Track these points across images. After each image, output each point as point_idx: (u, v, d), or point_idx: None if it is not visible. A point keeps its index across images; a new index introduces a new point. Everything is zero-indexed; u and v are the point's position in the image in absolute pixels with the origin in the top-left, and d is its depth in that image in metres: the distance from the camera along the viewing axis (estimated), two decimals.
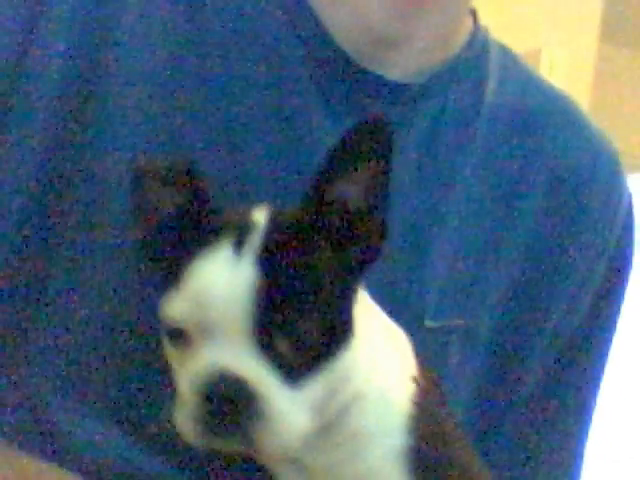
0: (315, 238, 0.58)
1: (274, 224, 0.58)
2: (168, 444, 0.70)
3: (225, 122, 0.73)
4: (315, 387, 0.57)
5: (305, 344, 0.56)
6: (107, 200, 0.70)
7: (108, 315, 0.70)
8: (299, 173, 0.73)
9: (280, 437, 0.56)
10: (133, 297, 0.71)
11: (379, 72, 0.77)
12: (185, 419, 0.57)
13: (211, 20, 0.74)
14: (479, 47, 0.84)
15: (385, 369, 0.62)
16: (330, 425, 0.60)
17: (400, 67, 0.79)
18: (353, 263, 0.59)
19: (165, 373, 0.71)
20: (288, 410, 0.56)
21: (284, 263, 0.56)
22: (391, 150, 0.58)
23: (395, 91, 0.78)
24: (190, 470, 0.72)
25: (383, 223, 0.60)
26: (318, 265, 0.57)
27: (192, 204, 0.60)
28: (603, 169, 0.87)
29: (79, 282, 0.70)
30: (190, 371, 0.57)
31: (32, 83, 0.70)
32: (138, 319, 0.71)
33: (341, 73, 0.76)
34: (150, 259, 0.62)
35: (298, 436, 0.56)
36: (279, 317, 0.55)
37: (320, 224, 0.59)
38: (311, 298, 0.56)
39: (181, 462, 0.71)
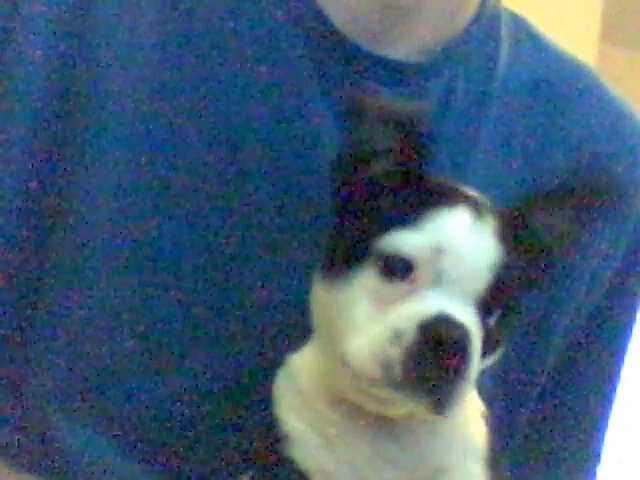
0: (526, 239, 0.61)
1: (499, 212, 0.60)
2: (171, 463, 0.70)
3: (220, 108, 0.72)
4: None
5: (505, 326, 0.59)
6: (104, 198, 0.70)
7: (108, 316, 0.70)
8: (298, 158, 0.72)
9: (460, 402, 0.57)
10: (133, 298, 0.71)
11: (382, 53, 0.75)
12: (380, 350, 0.56)
13: (203, 5, 0.73)
14: (488, 19, 0.81)
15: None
16: None
17: (404, 46, 0.76)
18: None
19: (165, 373, 0.71)
20: (478, 364, 0.58)
21: (513, 248, 0.59)
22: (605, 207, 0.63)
23: (399, 71, 0.75)
24: None
25: (554, 262, 0.64)
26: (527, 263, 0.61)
27: (412, 151, 0.59)
28: (626, 138, 0.84)
29: (78, 283, 0.70)
30: (406, 306, 0.56)
31: (16, 79, 0.69)
32: (139, 320, 0.70)
33: (340, 56, 0.74)
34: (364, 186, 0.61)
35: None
36: (503, 295, 0.58)
37: (526, 231, 0.61)
38: (520, 290, 0.60)
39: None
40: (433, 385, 0.55)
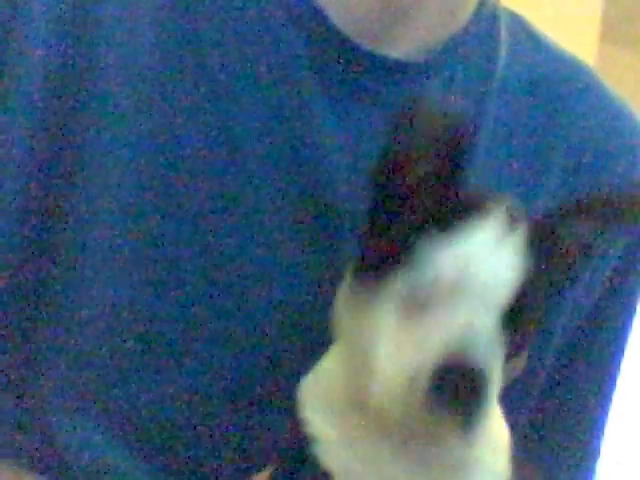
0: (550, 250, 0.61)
1: (529, 221, 0.60)
2: (171, 459, 0.70)
3: (220, 107, 0.71)
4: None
5: (524, 342, 0.60)
6: (105, 198, 0.70)
7: (109, 316, 0.70)
8: (298, 157, 0.72)
9: (480, 426, 0.57)
10: (134, 297, 0.71)
11: (381, 52, 0.75)
12: (402, 385, 0.56)
13: (202, 5, 0.73)
14: (487, 18, 0.80)
15: None
16: None
17: (404, 45, 0.76)
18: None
19: (166, 373, 0.71)
20: (496, 390, 0.58)
21: (539, 260, 0.59)
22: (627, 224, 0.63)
23: (398, 70, 0.75)
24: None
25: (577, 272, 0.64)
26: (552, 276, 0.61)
27: (451, 159, 0.59)
28: (625, 137, 0.84)
29: (79, 283, 0.70)
30: (427, 339, 0.56)
31: (17, 79, 0.69)
32: (139, 319, 0.70)
33: (340, 55, 0.74)
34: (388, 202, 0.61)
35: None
36: (526, 308, 0.58)
37: (555, 242, 0.61)
38: (542, 301, 0.60)
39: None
40: (452, 414, 0.56)
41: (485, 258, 0.57)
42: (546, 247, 0.60)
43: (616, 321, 0.85)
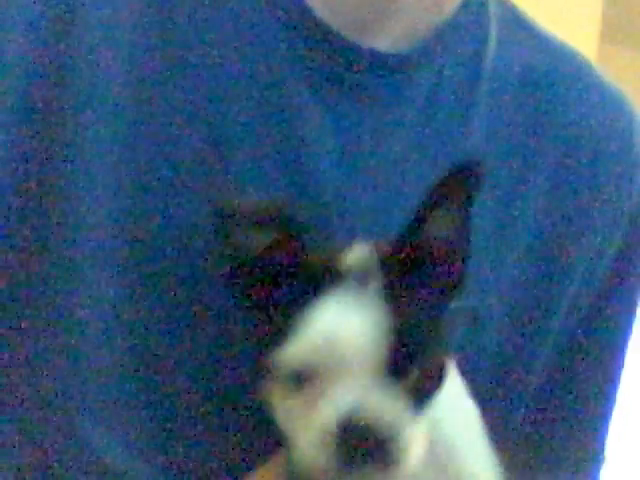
0: (418, 272, 0.61)
1: (383, 262, 0.60)
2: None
3: (204, 103, 0.71)
4: (427, 412, 0.60)
5: (432, 373, 0.60)
6: (93, 199, 0.69)
7: (108, 316, 0.70)
8: (285, 152, 0.71)
9: (406, 458, 0.58)
10: (132, 297, 0.70)
11: (366, 44, 0.74)
12: (313, 453, 0.58)
13: (185, 4, 0.72)
14: (475, 7, 0.79)
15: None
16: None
17: (390, 36, 0.75)
18: (442, 292, 0.62)
19: (164, 373, 0.71)
20: (413, 434, 0.59)
21: (405, 299, 0.59)
22: (479, 191, 0.62)
23: (385, 62, 0.74)
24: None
25: (464, 262, 0.63)
26: (429, 298, 0.61)
27: (284, 246, 0.61)
28: (619, 126, 0.83)
29: (73, 284, 0.70)
30: (318, 413, 0.58)
31: None
32: (135, 321, 0.70)
33: (326, 48, 0.73)
34: (245, 303, 0.63)
35: (418, 453, 0.59)
36: (410, 350, 0.58)
37: (418, 258, 0.61)
38: (432, 329, 0.60)
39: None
40: (369, 466, 0.58)
41: (341, 335, 0.57)
42: (416, 259, 0.60)
43: (616, 321, 0.85)
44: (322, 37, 0.73)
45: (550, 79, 0.81)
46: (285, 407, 0.61)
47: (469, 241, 0.63)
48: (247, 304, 0.63)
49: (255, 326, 0.63)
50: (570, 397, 0.83)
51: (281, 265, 0.61)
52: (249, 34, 0.72)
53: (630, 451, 2.50)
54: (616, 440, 0.94)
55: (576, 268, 0.81)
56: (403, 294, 0.59)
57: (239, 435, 0.71)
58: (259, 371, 0.61)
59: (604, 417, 0.86)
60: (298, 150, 0.72)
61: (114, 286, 0.70)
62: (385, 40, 0.75)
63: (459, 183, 0.61)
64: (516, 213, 0.78)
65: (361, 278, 0.59)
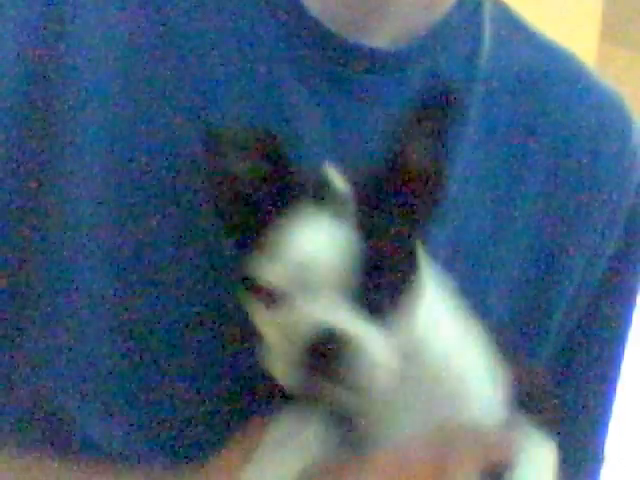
0: (392, 197, 0.62)
1: (358, 187, 0.62)
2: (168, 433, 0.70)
3: (197, 101, 0.71)
4: (397, 331, 0.62)
5: (395, 293, 0.61)
6: (84, 196, 0.69)
7: (97, 315, 0.70)
8: None
9: (374, 374, 0.60)
10: (130, 294, 0.70)
11: (360, 41, 0.73)
12: (284, 366, 0.60)
13: (176, 4, 0.72)
14: (470, 6, 0.79)
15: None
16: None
17: (383, 34, 0.75)
18: (416, 217, 0.64)
19: (162, 373, 0.71)
20: (381, 351, 0.60)
21: (378, 225, 0.61)
22: (454, 111, 0.62)
23: (378, 59, 0.74)
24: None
25: (441, 182, 0.64)
26: (402, 224, 0.62)
27: (270, 169, 0.62)
28: (616, 127, 0.83)
29: (66, 284, 0.70)
30: (290, 325, 0.60)
31: None
32: (130, 319, 0.70)
33: (319, 45, 0.73)
34: (229, 225, 0.65)
35: (389, 371, 0.61)
36: (376, 271, 0.60)
37: (393, 183, 0.62)
38: (398, 253, 0.61)
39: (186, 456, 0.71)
40: (333, 377, 0.60)
41: (312, 254, 0.59)
42: (391, 183, 0.62)
43: (615, 320, 0.85)
44: (319, 36, 0.73)
45: (546, 80, 0.81)
46: (263, 324, 0.63)
47: (445, 168, 0.64)
48: (232, 228, 0.65)
49: (240, 249, 0.64)
50: (569, 397, 0.83)
51: (263, 186, 0.62)
52: (246, 34, 0.72)
53: (630, 451, 2.50)
54: (616, 440, 0.94)
55: (575, 267, 0.81)
56: (376, 219, 0.60)
57: (238, 423, 0.71)
58: (243, 291, 0.63)
59: (604, 416, 0.86)
60: (295, 148, 0.72)
61: (111, 283, 0.70)
62: (381, 39, 0.75)
63: (435, 110, 0.62)
64: (514, 213, 0.78)
65: (336, 202, 0.60)
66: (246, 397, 0.71)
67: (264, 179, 0.62)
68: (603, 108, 0.83)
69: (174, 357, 0.71)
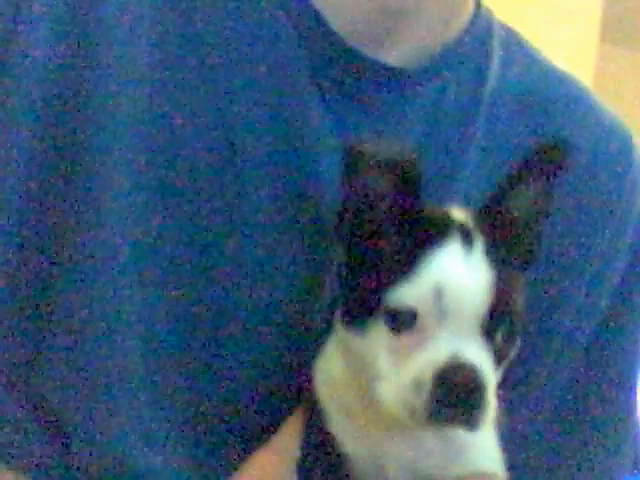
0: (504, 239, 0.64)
1: (484, 226, 0.63)
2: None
3: (219, 109, 0.72)
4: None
5: (513, 337, 0.62)
6: (107, 198, 0.70)
7: (111, 316, 0.70)
8: (296, 160, 0.72)
9: (490, 411, 0.61)
10: (135, 297, 0.71)
11: (376, 56, 0.75)
12: (408, 400, 0.60)
13: (202, 6, 0.73)
14: (481, 29, 0.81)
15: None
16: None
17: (399, 51, 0.76)
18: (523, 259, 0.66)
19: (168, 373, 0.71)
20: (495, 389, 0.61)
21: (504, 264, 0.62)
22: (563, 171, 0.65)
23: (391, 75, 0.75)
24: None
25: (539, 237, 0.66)
26: (517, 267, 0.64)
27: (404, 195, 0.62)
28: (615, 151, 0.84)
29: (83, 283, 0.70)
30: (419, 355, 0.60)
31: (18, 80, 0.69)
32: (141, 320, 0.71)
33: (338, 59, 0.74)
34: (350, 242, 0.64)
35: (496, 410, 0.62)
36: (504, 311, 0.61)
37: (500, 230, 0.64)
38: (518, 296, 0.62)
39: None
40: (460, 416, 0.60)
41: (454, 283, 0.60)
42: (500, 230, 0.63)
43: (630, 329, 0.85)
44: (337, 49, 0.74)
45: (548, 102, 0.82)
46: (381, 348, 0.62)
47: (547, 218, 0.66)
48: (354, 246, 0.64)
49: (351, 266, 0.64)
50: (589, 403, 0.83)
51: (397, 210, 0.63)
52: (264, 41, 0.73)
53: None
54: None
55: (581, 275, 0.81)
56: (501, 257, 0.62)
57: (237, 435, 0.72)
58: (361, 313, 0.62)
59: (624, 421, 0.86)
60: (306, 156, 0.73)
61: (119, 286, 0.70)
62: (394, 54, 0.76)
63: (543, 161, 0.64)
64: None
65: (466, 236, 0.61)
66: (247, 412, 0.72)
67: (401, 201, 0.62)
68: (604, 132, 0.84)
69: (178, 360, 0.71)
